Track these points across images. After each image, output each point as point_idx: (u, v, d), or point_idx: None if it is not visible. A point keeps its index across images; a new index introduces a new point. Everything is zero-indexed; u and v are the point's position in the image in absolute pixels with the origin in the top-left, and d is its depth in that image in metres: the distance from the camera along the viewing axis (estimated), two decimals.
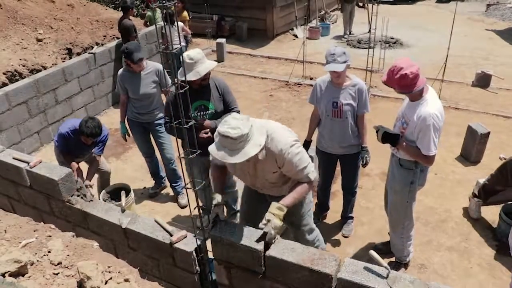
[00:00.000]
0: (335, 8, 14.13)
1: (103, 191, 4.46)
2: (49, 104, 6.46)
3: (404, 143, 3.30)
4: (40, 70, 6.66)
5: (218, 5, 11.22)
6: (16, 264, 2.42)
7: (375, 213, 4.70)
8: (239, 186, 4.96)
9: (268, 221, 2.49)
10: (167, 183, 5.21)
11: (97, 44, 7.93)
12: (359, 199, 4.66)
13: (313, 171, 2.90)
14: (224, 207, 3.27)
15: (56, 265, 2.62)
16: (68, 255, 2.74)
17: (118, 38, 8.05)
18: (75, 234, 3.12)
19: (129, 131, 4.90)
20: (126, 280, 2.55)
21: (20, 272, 2.44)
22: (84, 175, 4.31)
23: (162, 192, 5.30)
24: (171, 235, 2.80)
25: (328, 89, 3.86)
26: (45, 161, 3.35)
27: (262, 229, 2.46)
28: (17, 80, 6.32)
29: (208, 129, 3.72)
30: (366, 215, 4.74)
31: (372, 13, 7.42)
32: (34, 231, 3.06)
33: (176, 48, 2.19)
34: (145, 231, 2.87)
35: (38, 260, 2.63)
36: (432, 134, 3.11)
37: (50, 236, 2.99)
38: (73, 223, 3.27)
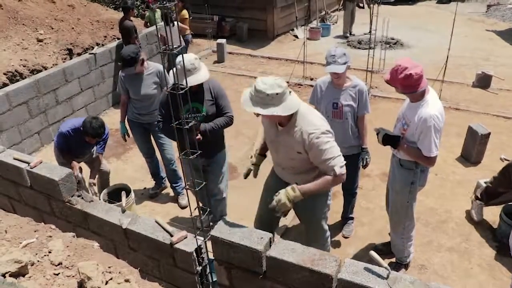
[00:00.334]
0: (335, 8, 14.13)
1: (103, 191, 4.46)
2: (49, 104, 6.47)
3: (405, 145, 3.29)
4: (40, 71, 6.67)
5: (218, 5, 11.23)
6: (16, 264, 2.42)
7: (376, 214, 4.70)
8: (239, 191, 4.95)
9: (277, 194, 2.79)
10: (168, 183, 5.22)
11: (97, 44, 7.94)
12: (359, 200, 4.66)
13: (341, 167, 2.88)
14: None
15: (56, 266, 2.62)
16: (69, 256, 2.74)
17: (118, 38, 8.07)
18: (75, 235, 3.12)
19: (129, 131, 4.90)
20: (127, 281, 2.55)
21: (20, 273, 2.44)
22: (84, 175, 4.32)
23: (163, 192, 5.31)
24: (171, 236, 2.79)
25: (328, 90, 3.86)
26: (45, 162, 3.35)
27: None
28: (17, 81, 6.33)
29: (199, 132, 3.65)
30: (366, 216, 4.74)
31: (372, 13, 7.41)
32: (35, 231, 3.07)
33: (177, 49, 2.19)
34: (146, 232, 2.87)
35: (38, 261, 2.63)
36: (433, 135, 3.11)
37: (50, 237, 2.99)
38: (74, 224, 3.27)
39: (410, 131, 3.25)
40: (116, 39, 8.19)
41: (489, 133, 5.48)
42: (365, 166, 4.02)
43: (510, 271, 3.93)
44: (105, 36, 8.32)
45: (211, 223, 4.24)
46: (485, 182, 4.47)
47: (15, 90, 5.91)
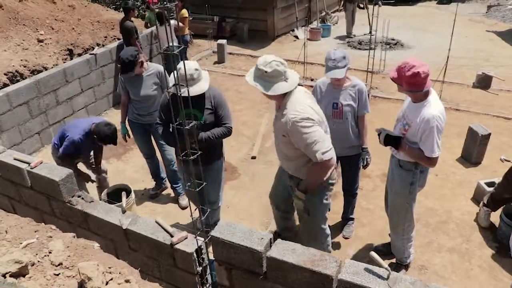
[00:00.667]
0: (336, 9, 14.14)
1: (104, 192, 4.46)
2: (50, 104, 6.47)
3: (407, 146, 3.29)
4: (41, 71, 6.67)
5: (219, 6, 11.24)
6: (17, 264, 2.42)
7: (376, 215, 4.70)
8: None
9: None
10: (168, 184, 5.22)
11: (98, 45, 7.95)
12: (359, 201, 4.66)
13: (324, 152, 2.94)
14: None
15: (57, 266, 2.62)
16: (69, 256, 2.74)
17: (119, 39, 8.07)
18: (75, 235, 3.12)
19: (130, 132, 4.91)
20: (127, 281, 2.55)
21: (21, 273, 2.45)
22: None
23: (163, 193, 5.31)
24: (171, 236, 2.80)
25: (328, 90, 3.86)
26: (46, 162, 3.35)
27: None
28: (18, 81, 6.33)
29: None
30: (366, 217, 4.73)
31: (372, 14, 7.42)
32: (35, 231, 3.07)
33: (177, 49, 2.19)
34: (146, 232, 2.87)
35: (39, 261, 2.63)
36: (436, 136, 3.10)
37: (51, 237, 2.99)
38: (74, 224, 3.27)
39: (411, 132, 3.24)
40: (116, 40, 8.20)
41: (490, 134, 5.48)
42: (365, 166, 4.02)
43: (511, 272, 3.93)
44: (106, 37, 8.33)
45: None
46: (485, 183, 4.47)
47: (16, 90, 5.92)
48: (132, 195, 4.44)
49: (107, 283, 2.46)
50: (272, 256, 2.34)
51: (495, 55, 9.88)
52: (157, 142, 4.86)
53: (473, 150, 5.56)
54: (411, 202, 3.54)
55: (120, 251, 3.12)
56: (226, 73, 9.14)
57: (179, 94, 2.21)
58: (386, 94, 7.59)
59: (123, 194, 4.03)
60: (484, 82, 7.92)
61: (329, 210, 3.56)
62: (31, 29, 7.44)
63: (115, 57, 7.55)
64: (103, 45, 7.93)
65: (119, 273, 2.66)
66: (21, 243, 2.85)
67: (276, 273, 2.38)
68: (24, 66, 6.61)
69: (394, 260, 4.02)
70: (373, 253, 2.26)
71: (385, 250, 4.09)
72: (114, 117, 7.25)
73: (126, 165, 5.98)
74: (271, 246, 2.40)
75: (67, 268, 2.64)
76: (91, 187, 4.67)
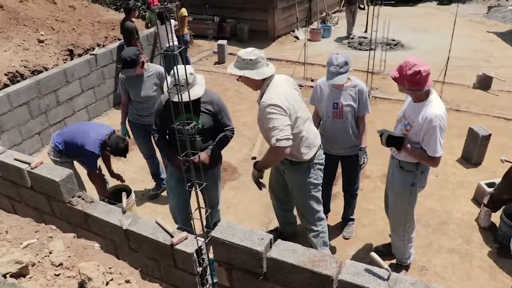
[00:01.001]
0: (336, 10, 14.15)
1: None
2: (50, 105, 6.48)
3: (409, 146, 3.28)
4: (41, 71, 6.67)
5: (219, 6, 11.25)
6: (17, 265, 2.42)
7: (376, 215, 4.70)
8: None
9: None
10: None
11: (98, 45, 7.95)
12: (360, 201, 4.66)
13: (278, 140, 3.10)
14: None
15: (57, 266, 2.62)
16: (69, 256, 2.74)
17: (119, 39, 8.08)
18: (76, 235, 3.12)
19: (130, 132, 4.91)
20: (127, 282, 2.55)
21: (21, 273, 2.44)
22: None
23: (163, 193, 5.31)
24: (172, 237, 2.80)
25: (328, 90, 3.86)
26: (46, 162, 3.35)
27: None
28: (18, 81, 6.33)
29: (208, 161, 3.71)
30: (367, 217, 4.73)
31: (373, 15, 7.42)
32: (35, 232, 3.07)
33: (177, 49, 2.19)
34: (146, 233, 2.87)
35: (39, 261, 2.63)
36: (439, 135, 3.10)
37: (51, 237, 2.99)
38: (74, 224, 3.27)
39: (413, 132, 3.23)
40: (117, 40, 8.20)
41: (490, 135, 5.48)
42: (361, 166, 3.99)
43: (511, 273, 3.92)
44: (106, 37, 8.33)
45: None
46: (485, 184, 4.47)
47: (16, 90, 5.92)
48: (133, 195, 4.44)
49: (107, 284, 2.46)
50: (272, 256, 2.33)
51: (496, 55, 9.88)
52: None
53: (474, 151, 5.56)
54: (411, 203, 3.54)
55: (121, 252, 3.12)
56: (226, 73, 9.11)
57: (179, 99, 2.20)
58: (387, 95, 7.59)
59: (123, 194, 4.03)
60: (484, 82, 7.92)
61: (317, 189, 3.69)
62: (32, 30, 7.45)
63: (115, 58, 7.56)
64: (104, 46, 7.94)
65: (120, 273, 2.66)
66: (21, 244, 2.85)
67: (276, 274, 2.38)
68: (25, 67, 6.62)
69: (394, 261, 4.02)
70: (373, 254, 2.26)
71: (385, 251, 4.09)
72: (114, 117, 7.26)
73: (126, 166, 5.98)
74: (271, 246, 2.40)
75: (68, 268, 2.63)
76: (91, 188, 4.66)
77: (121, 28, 7.49)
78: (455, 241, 4.36)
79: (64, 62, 7.14)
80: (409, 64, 3.04)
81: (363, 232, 4.54)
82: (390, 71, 3.25)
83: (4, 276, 2.35)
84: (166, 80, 3.08)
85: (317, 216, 3.77)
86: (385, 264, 2.19)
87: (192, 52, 10.38)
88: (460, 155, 5.80)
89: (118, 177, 4.65)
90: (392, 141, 3.32)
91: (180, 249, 2.71)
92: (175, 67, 3.16)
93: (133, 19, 7.54)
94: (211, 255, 2.73)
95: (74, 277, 2.54)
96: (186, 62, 8.60)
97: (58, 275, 2.54)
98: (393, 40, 10.75)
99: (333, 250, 4.32)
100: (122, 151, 4.17)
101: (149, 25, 9.11)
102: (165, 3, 1.98)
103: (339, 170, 4.32)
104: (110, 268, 2.66)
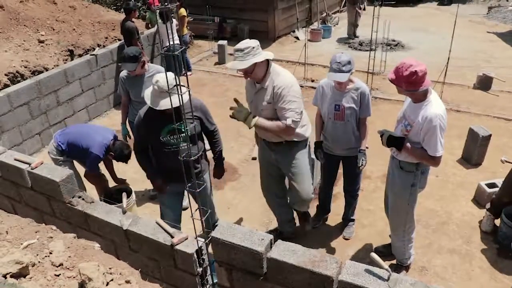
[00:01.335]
0: (336, 10, 14.15)
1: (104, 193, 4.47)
2: (50, 105, 6.48)
3: (409, 146, 3.28)
4: (41, 72, 6.67)
5: (219, 7, 11.25)
6: (17, 265, 2.42)
7: (376, 216, 4.70)
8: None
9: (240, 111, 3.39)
10: None
11: (98, 45, 7.95)
12: (360, 202, 4.66)
13: (294, 121, 3.38)
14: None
15: (57, 267, 2.62)
16: (70, 257, 2.74)
17: (119, 39, 8.08)
18: (76, 236, 3.12)
19: (130, 132, 4.90)
20: (127, 282, 2.55)
21: (21, 273, 2.45)
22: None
23: None
24: (172, 237, 2.80)
25: (331, 91, 3.86)
26: (46, 163, 3.35)
27: None
28: (18, 82, 6.34)
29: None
30: (367, 218, 4.73)
31: (373, 15, 7.41)
32: (36, 232, 3.07)
33: (178, 50, 2.19)
34: (146, 233, 2.87)
35: (39, 261, 2.63)
36: (439, 135, 3.10)
37: (51, 237, 2.99)
38: (74, 225, 3.27)
39: (413, 132, 3.23)
40: (117, 40, 8.20)
41: (490, 135, 5.48)
42: (359, 168, 3.97)
43: (511, 274, 3.92)
44: (106, 37, 8.33)
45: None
46: (485, 184, 4.46)
47: (16, 91, 5.92)
48: (133, 195, 4.45)
49: (107, 284, 2.46)
50: (272, 257, 2.34)
51: (496, 56, 9.88)
52: None
53: (474, 151, 5.56)
54: (412, 203, 3.54)
55: (121, 252, 3.12)
56: (227, 74, 9.14)
57: (181, 102, 2.19)
58: (387, 95, 7.60)
59: (124, 194, 4.03)
60: (484, 83, 7.92)
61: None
62: (32, 30, 7.45)
63: (116, 58, 7.56)
64: (104, 46, 7.94)
65: (120, 273, 2.66)
66: (21, 244, 2.85)
67: (276, 274, 2.38)
68: (25, 67, 6.62)
69: (394, 261, 4.02)
70: (373, 254, 2.26)
71: (385, 251, 4.09)
72: (114, 117, 7.26)
73: (127, 166, 5.94)
74: (271, 247, 2.40)
75: (68, 268, 2.64)
76: (91, 188, 4.66)
77: (122, 28, 7.50)
78: (455, 242, 4.36)
79: (65, 63, 7.15)
80: (405, 65, 3.04)
81: (363, 232, 4.54)
82: (388, 73, 3.25)
83: (5, 276, 2.35)
84: (147, 91, 3.07)
85: (309, 189, 3.89)
86: (385, 264, 2.19)
87: (193, 52, 10.39)
88: (460, 156, 5.80)
89: (122, 181, 4.66)
90: (392, 141, 3.32)
91: (180, 250, 2.71)
92: (155, 77, 3.16)
93: (133, 19, 7.55)
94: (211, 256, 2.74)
95: (74, 277, 2.54)
96: (185, 63, 8.61)
97: (58, 275, 2.54)
98: (394, 41, 10.74)
99: (333, 250, 4.32)
100: (125, 158, 4.24)
101: (149, 25, 9.12)
102: (166, 3, 1.98)
103: (340, 170, 4.32)
104: (110, 268, 2.67)
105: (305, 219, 4.32)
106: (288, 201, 4.18)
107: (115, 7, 12.22)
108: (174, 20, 7.20)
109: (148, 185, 5.43)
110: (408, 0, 15.91)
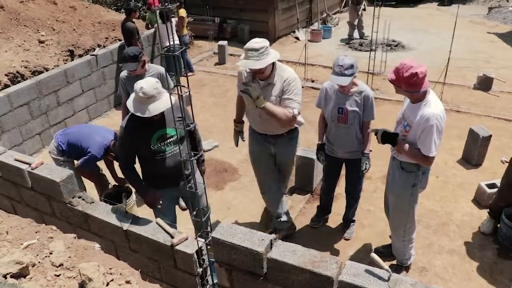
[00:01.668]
0: (336, 11, 14.14)
1: (104, 193, 4.47)
2: (50, 105, 6.48)
3: (403, 143, 3.28)
4: (42, 72, 6.68)
5: (219, 7, 11.25)
6: (17, 265, 2.42)
7: (377, 216, 4.70)
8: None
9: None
10: None
11: (99, 46, 7.96)
12: (360, 202, 4.65)
13: (299, 112, 3.64)
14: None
15: (57, 267, 2.62)
16: (70, 257, 2.74)
17: (120, 40, 8.08)
18: (76, 236, 3.12)
19: None
20: (128, 282, 2.55)
21: (21, 274, 2.45)
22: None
23: None
24: (172, 237, 2.80)
25: (334, 94, 3.83)
26: (46, 163, 3.36)
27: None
28: (19, 82, 6.34)
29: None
30: (367, 218, 4.73)
31: (373, 16, 7.42)
32: (36, 232, 3.07)
33: (178, 50, 2.19)
34: (146, 233, 2.88)
35: (39, 262, 2.63)
36: (434, 135, 3.10)
37: (51, 238, 2.99)
38: (75, 225, 3.27)
39: (412, 131, 3.23)
40: (117, 41, 8.21)
41: (490, 136, 5.48)
42: (363, 171, 3.96)
43: (511, 274, 3.92)
44: (107, 38, 8.34)
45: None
46: (486, 185, 4.46)
47: (17, 91, 5.93)
48: (133, 196, 4.44)
49: (107, 284, 2.47)
50: (272, 257, 2.34)
51: (496, 56, 9.87)
52: None
53: (474, 151, 5.55)
54: (413, 203, 3.54)
55: (121, 252, 3.12)
56: (227, 74, 9.15)
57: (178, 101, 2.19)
58: (387, 96, 7.59)
59: (124, 195, 4.04)
60: (485, 83, 7.92)
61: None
62: (32, 30, 7.45)
63: (116, 58, 7.57)
64: (104, 46, 7.94)
65: (120, 274, 2.66)
66: (22, 244, 2.85)
67: (276, 274, 2.38)
68: (25, 67, 6.62)
69: (394, 262, 4.01)
70: (373, 255, 2.26)
71: (385, 252, 4.09)
72: (114, 118, 7.26)
73: None
74: (271, 247, 2.40)
75: (68, 269, 2.64)
76: (91, 188, 4.67)
77: (122, 29, 7.50)
78: (455, 242, 4.36)
79: (65, 63, 7.15)
80: (405, 66, 3.04)
81: (364, 233, 4.54)
82: (388, 73, 3.25)
83: (5, 276, 2.36)
84: (129, 102, 3.04)
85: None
86: (386, 265, 2.19)
87: (193, 53, 10.39)
88: (460, 156, 5.80)
89: (122, 181, 4.65)
90: (386, 137, 3.32)
91: (181, 250, 2.72)
92: (137, 83, 3.08)
93: (133, 19, 7.55)
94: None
95: (74, 277, 2.54)
96: (186, 63, 8.62)
97: (58, 275, 2.54)
98: (394, 41, 10.74)
99: (333, 251, 4.32)
100: None
101: (150, 25, 9.12)
102: (166, 3, 1.99)
103: (342, 172, 4.32)
104: (110, 268, 2.67)
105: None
106: None
107: (115, 8, 12.21)
108: (174, 20, 7.20)
109: None
110: (409, 1, 15.91)
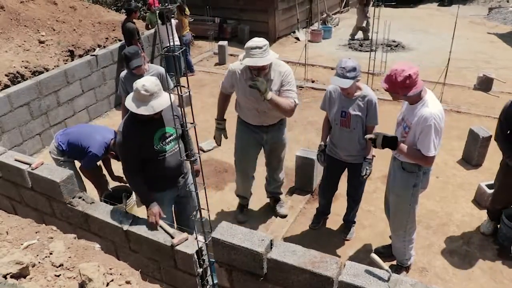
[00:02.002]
0: (337, 11, 14.15)
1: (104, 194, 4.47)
2: (51, 106, 6.48)
3: (403, 145, 3.28)
4: (42, 72, 6.68)
5: (220, 7, 11.26)
6: (17, 265, 2.42)
7: (377, 216, 4.70)
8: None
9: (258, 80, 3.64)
10: None
11: (99, 46, 7.96)
12: (360, 202, 4.65)
13: (296, 104, 3.89)
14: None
15: (57, 267, 2.62)
16: (70, 257, 2.74)
17: (120, 40, 8.09)
18: (76, 236, 3.12)
19: None
20: (128, 282, 2.55)
21: (21, 274, 2.45)
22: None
23: None
24: (172, 237, 2.80)
25: (338, 97, 3.82)
26: (46, 163, 3.36)
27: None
28: (19, 82, 6.34)
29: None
30: (367, 218, 4.73)
31: (374, 16, 7.42)
32: (36, 232, 3.07)
33: (178, 50, 2.19)
34: (147, 233, 2.88)
35: (39, 262, 2.63)
36: (433, 135, 3.10)
37: (51, 238, 2.99)
38: (75, 225, 3.27)
39: (411, 133, 3.24)
40: (117, 41, 8.21)
41: (490, 136, 5.47)
42: (364, 177, 3.91)
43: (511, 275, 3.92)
44: (107, 38, 8.34)
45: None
46: (486, 185, 4.46)
47: (17, 91, 5.93)
48: (133, 196, 4.45)
49: (107, 284, 2.47)
50: (272, 257, 2.34)
51: (496, 57, 9.88)
52: None
53: (474, 152, 5.55)
54: (413, 204, 3.54)
55: (121, 252, 3.12)
56: None
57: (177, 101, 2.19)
58: (387, 96, 7.47)
59: (124, 195, 4.04)
60: (485, 84, 7.92)
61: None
62: (32, 30, 7.46)
63: (116, 59, 7.57)
64: (104, 47, 7.95)
65: (120, 274, 2.66)
66: (22, 244, 2.85)
67: (276, 275, 2.39)
68: (25, 67, 6.63)
69: (394, 262, 4.01)
70: (373, 255, 2.26)
71: (385, 252, 4.09)
72: (114, 118, 7.26)
73: None
74: (271, 247, 2.40)
75: (68, 269, 2.64)
76: (91, 188, 4.67)
77: (122, 29, 7.50)
78: (455, 243, 4.36)
79: (65, 63, 7.15)
80: (397, 72, 3.05)
81: (364, 233, 4.54)
82: (381, 83, 3.23)
83: (5, 276, 2.36)
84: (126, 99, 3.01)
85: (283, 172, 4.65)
86: (386, 265, 2.19)
87: (193, 53, 10.38)
88: (460, 156, 5.80)
89: (119, 179, 4.65)
90: (386, 142, 3.32)
91: (181, 250, 2.72)
92: (137, 81, 3.04)
93: (134, 20, 7.56)
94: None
95: (74, 278, 2.54)
96: (187, 63, 8.62)
97: (58, 275, 2.54)
98: (394, 41, 10.74)
99: (333, 251, 4.32)
100: None
101: (150, 26, 9.13)
102: (166, 4, 1.99)
103: (345, 173, 4.31)
104: (110, 269, 2.67)
105: (278, 199, 4.89)
106: (266, 187, 4.85)
107: (115, 8, 12.23)
108: (173, 21, 7.21)
109: None
110: (409, 1, 15.92)
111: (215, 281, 2.77)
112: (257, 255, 2.36)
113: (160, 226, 2.92)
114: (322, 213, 4.66)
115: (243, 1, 11.22)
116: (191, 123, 2.32)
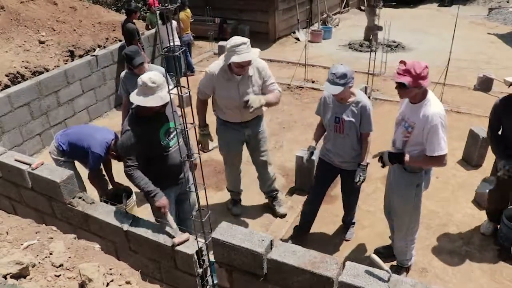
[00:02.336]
0: (337, 11, 14.15)
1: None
2: (51, 106, 6.49)
3: (409, 156, 3.27)
4: (42, 72, 6.68)
5: (220, 8, 11.26)
6: (17, 266, 2.42)
7: (376, 217, 4.70)
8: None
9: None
10: None
11: (99, 46, 7.96)
12: (360, 203, 4.64)
13: (279, 88, 4.19)
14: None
15: (57, 267, 2.62)
16: (70, 257, 2.74)
17: (120, 40, 8.09)
18: (76, 236, 3.12)
19: None
20: (128, 283, 2.55)
21: (21, 274, 2.45)
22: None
23: None
24: (172, 237, 2.80)
25: (332, 103, 3.78)
26: (47, 163, 3.36)
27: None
28: (19, 82, 6.34)
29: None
30: (367, 219, 4.73)
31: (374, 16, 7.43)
32: (36, 233, 3.07)
33: (178, 50, 2.19)
34: (147, 234, 2.88)
35: (39, 262, 2.63)
36: (441, 133, 3.11)
37: (51, 238, 2.99)
38: (75, 225, 3.27)
39: (416, 132, 3.22)
40: (117, 41, 8.21)
41: None
42: (357, 183, 3.84)
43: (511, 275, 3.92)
44: (107, 38, 8.34)
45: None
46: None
47: (17, 91, 5.93)
48: (133, 196, 4.45)
49: (107, 285, 2.47)
50: (272, 258, 2.34)
51: (496, 57, 9.87)
52: None
53: (474, 152, 5.55)
54: (417, 203, 3.54)
55: (121, 253, 3.12)
56: None
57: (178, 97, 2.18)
58: (387, 96, 7.59)
59: (124, 195, 4.04)
60: (485, 84, 7.92)
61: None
62: (33, 31, 7.46)
63: (116, 59, 7.57)
64: (104, 47, 7.95)
65: (120, 274, 2.66)
66: (22, 244, 2.85)
67: (276, 275, 2.39)
68: (25, 68, 6.63)
69: (394, 263, 4.01)
70: (373, 256, 2.26)
71: (385, 253, 4.08)
72: (115, 118, 7.26)
73: None
74: (271, 248, 2.40)
75: (68, 269, 2.64)
76: (91, 189, 4.67)
77: (123, 30, 7.51)
78: (455, 243, 4.36)
79: (65, 63, 7.16)
80: (414, 65, 3.07)
81: (363, 233, 4.54)
82: (393, 77, 3.20)
83: (5, 277, 2.36)
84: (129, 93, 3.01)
85: (272, 166, 4.74)
86: (386, 265, 2.19)
87: (193, 53, 10.39)
88: (460, 157, 5.80)
89: (118, 185, 4.64)
90: (393, 158, 3.32)
91: (181, 250, 2.72)
92: (142, 77, 3.12)
93: (134, 20, 7.56)
94: (211, 257, 2.74)
95: (74, 278, 2.54)
96: (187, 64, 8.62)
97: (58, 276, 2.54)
98: (394, 42, 10.73)
99: (333, 251, 4.32)
100: None
101: (150, 26, 9.13)
102: (166, 4, 1.99)
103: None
104: (110, 269, 2.67)
105: (275, 197, 4.87)
106: (260, 187, 4.87)
107: (115, 8, 12.23)
108: (174, 22, 7.21)
109: None
110: (409, 1, 15.91)
111: (215, 282, 2.77)
112: (257, 256, 2.36)
113: (167, 220, 2.93)
114: (301, 228, 4.46)
115: (243, 1, 11.21)
116: (191, 123, 2.32)
